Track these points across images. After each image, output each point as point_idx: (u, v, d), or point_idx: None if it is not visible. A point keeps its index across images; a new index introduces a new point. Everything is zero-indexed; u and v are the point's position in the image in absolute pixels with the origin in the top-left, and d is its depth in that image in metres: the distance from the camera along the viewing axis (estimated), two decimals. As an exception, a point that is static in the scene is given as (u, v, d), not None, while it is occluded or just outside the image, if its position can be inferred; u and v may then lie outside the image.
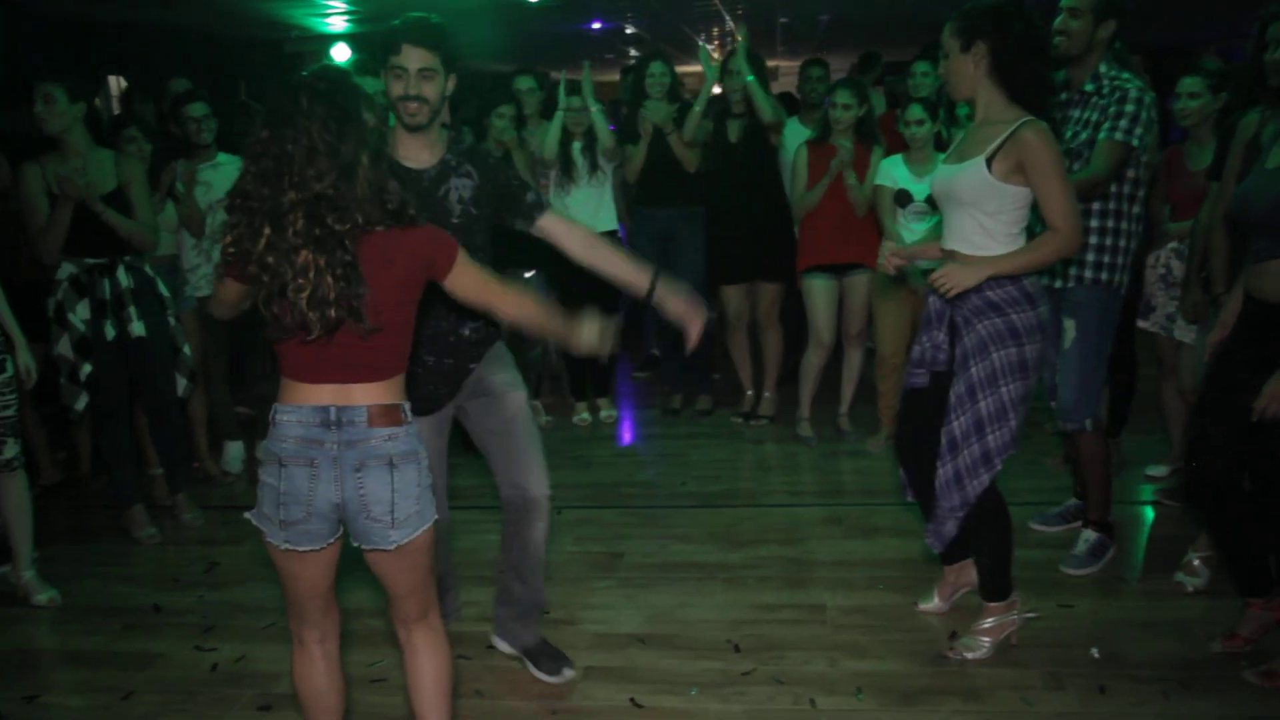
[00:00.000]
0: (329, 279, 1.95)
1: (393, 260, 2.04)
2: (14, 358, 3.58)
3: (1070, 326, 3.46)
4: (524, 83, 5.35)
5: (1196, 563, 3.43)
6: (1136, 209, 3.44)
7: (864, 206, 4.75)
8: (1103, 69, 3.36)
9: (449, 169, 2.72)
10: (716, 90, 5.35)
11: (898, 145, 4.78)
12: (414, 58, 2.57)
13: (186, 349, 4.32)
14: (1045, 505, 4.06)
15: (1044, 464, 4.56)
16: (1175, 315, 4.02)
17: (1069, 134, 3.39)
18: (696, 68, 5.86)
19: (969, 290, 2.81)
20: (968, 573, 3.27)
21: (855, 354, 5.12)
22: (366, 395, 2.08)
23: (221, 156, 4.72)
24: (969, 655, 3.06)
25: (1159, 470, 4.41)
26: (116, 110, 8.65)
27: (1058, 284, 3.48)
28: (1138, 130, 3.25)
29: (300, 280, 1.95)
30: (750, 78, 4.93)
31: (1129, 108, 3.25)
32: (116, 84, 9.44)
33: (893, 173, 4.56)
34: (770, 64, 5.30)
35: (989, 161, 2.77)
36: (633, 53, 14.97)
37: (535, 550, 2.95)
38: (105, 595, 3.81)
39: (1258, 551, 2.96)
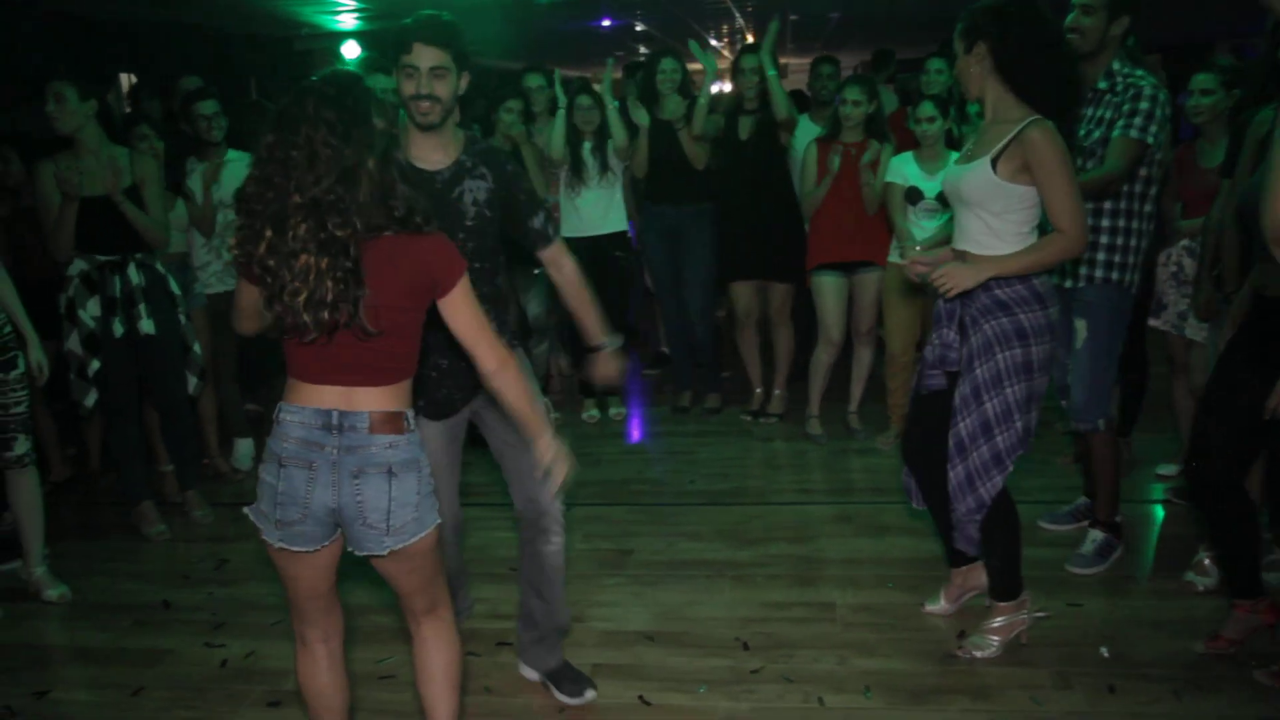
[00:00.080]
0: (328, 282, 1.95)
1: (397, 266, 2.03)
2: (26, 354, 3.60)
3: (1082, 327, 3.45)
4: (534, 80, 5.35)
5: (1207, 562, 3.41)
6: (1149, 207, 3.42)
7: (874, 204, 4.74)
8: (1116, 66, 3.34)
9: (463, 170, 2.68)
10: (727, 87, 5.35)
11: (907, 143, 4.78)
12: (426, 56, 2.54)
13: (197, 347, 4.33)
14: (1055, 504, 4.05)
15: (1054, 463, 4.55)
16: (1187, 313, 4.00)
17: (1082, 132, 3.37)
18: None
19: (978, 289, 2.81)
20: (976, 576, 3.25)
21: (865, 352, 5.11)
22: (370, 400, 2.08)
23: (231, 154, 4.74)
24: (978, 654, 3.05)
25: (1169, 469, 4.39)
26: (127, 108, 8.68)
27: (1068, 283, 3.46)
28: (1152, 128, 3.23)
29: (297, 284, 1.96)
30: (773, 72, 4.93)
31: (1144, 105, 3.23)
32: (127, 82, 9.46)
33: (903, 170, 4.55)
34: (780, 61, 5.27)
35: (994, 161, 2.77)
36: (642, 50, 14.96)
37: (552, 567, 2.91)
38: (115, 592, 3.82)
39: (1254, 552, 2.94)
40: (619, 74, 5.30)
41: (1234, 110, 3.83)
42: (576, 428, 5.42)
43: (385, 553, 2.11)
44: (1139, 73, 3.32)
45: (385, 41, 2.68)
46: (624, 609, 3.50)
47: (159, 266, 4.16)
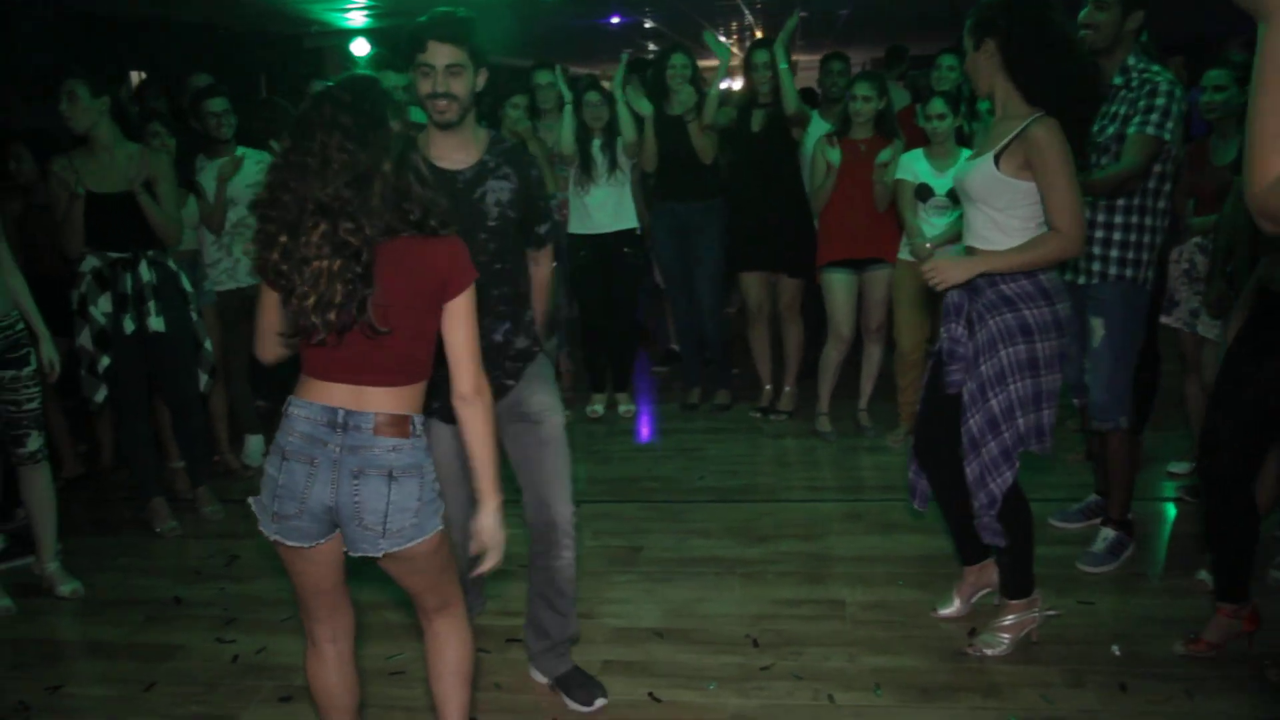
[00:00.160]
0: (338, 285, 1.96)
1: (408, 266, 2.03)
2: (38, 351, 3.62)
3: (1098, 325, 3.43)
4: (543, 77, 5.34)
5: (1219, 560, 3.40)
6: (1162, 204, 3.40)
7: (885, 201, 4.73)
8: (1131, 61, 3.31)
9: (486, 171, 2.65)
10: (737, 84, 5.34)
11: (916, 140, 4.76)
12: (441, 54, 2.51)
13: (208, 344, 4.34)
14: (1066, 502, 4.03)
15: (1064, 460, 4.53)
16: (1199, 310, 3.99)
17: (1096, 128, 3.35)
18: (713, 62, 5.84)
19: (984, 285, 2.81)
20: (988, 574, 3.24)
21: (875, 349, 5.10)
22: (378, 401, 2.08)
23: (240, 151, 4.75)
24: (989, 652, 3.05)
25: (1181, 467, 4.37)
26: (134, 106, 8.70)
27: (1081, 280, 3.45)
28: (1169, 124, 3.21)
29: (306, 288, 1.97)
30: (784, 65, 4.92)
31: (1159, 101, 3.21)
32: (138, 79, 9.50)
33: (914, 167, 4.54)
34: (792, 57, 5.27)
35: (997, 157, 2.77)
36: (651, 47, 14.95)
37: (563, 580, 2.89)
38: (127, 587, 3.84)
39: (1248, 557, 2.92)
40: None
41: (1247, 107, 3.80)
42: (586, 425, 5.43)
43: (380, 554, 2.11)
44: (1155, 68, 3.29)
45: (400, 40, 2.67)
46: (634, 606, 3.50)
47: (171, 264, 4.17)
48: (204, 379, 4.35)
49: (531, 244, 2.84)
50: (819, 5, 11.43)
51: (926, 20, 10.79)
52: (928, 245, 4.31)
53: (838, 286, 4.95)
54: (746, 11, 11.96)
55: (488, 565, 2.19)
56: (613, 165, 5.17)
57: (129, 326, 4.03)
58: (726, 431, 5.31)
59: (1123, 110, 3.29)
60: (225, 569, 3.95)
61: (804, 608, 3.43)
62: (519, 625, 3.22)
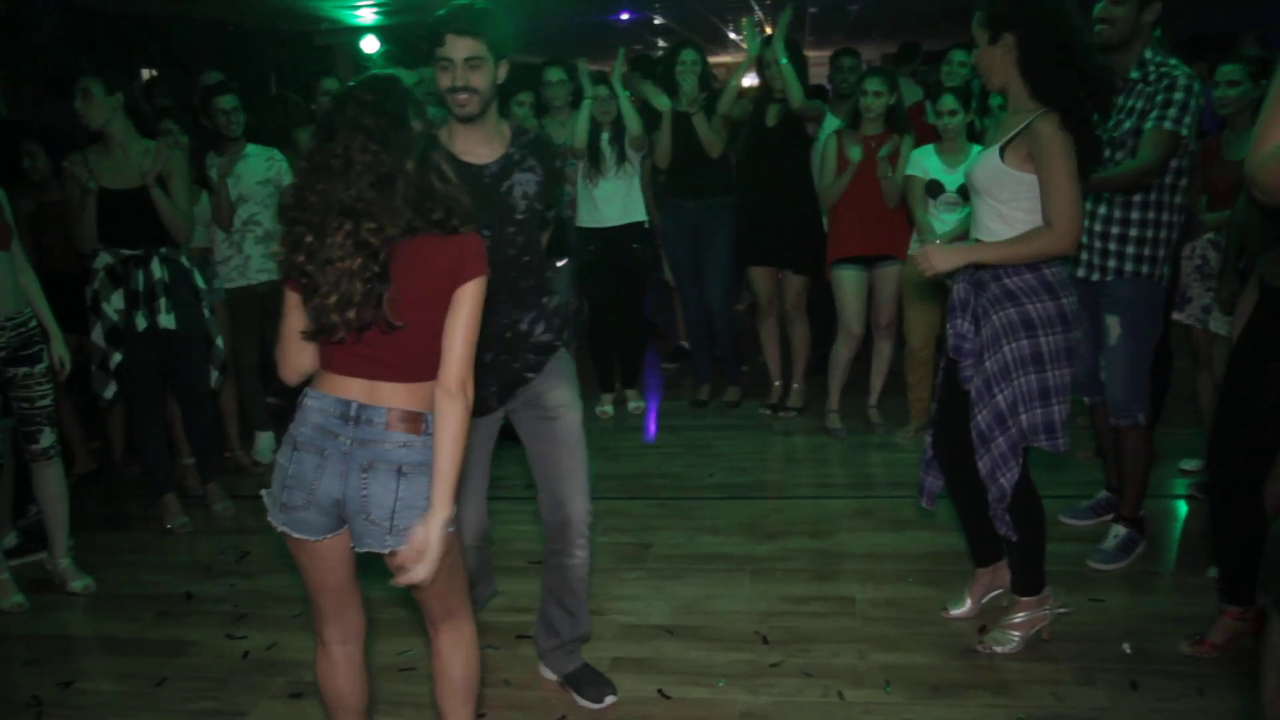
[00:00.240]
0: (357, 284, 1.97)
1: (424, 263, 2.03)
2: (49, 349, 3.63)
3: (1114, 323, 3.41)
4: (553, 74, 5.33)
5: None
6: (1179, 199, 3.36)
7: (895, 197, 4.72)
8: (1148, 55, 3.28)
9: (512, 164, 2.63)
10: (754, 81, 5.33)
11: (925, 137, 4.75)
12: (460, 47, 2.47)
13: (219, 341, 4.36)
14: (1076, 499, 4.02)
15: (1074, 457, 4.52)
16: (1211, 307, 3.97)
17: (1111, 122, 3.32)
18: (724, 58, 5.82)
19: (989, 279, 2.81)
20: (1002, 575, 3.23)
21: (885, 346, 5.09)
22: (391, 396, 2.08)
23: (250, 148, 4.77)
24: (998, 649, 3.04)
25: (1192, 464, 4.35)
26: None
27: (1094, 277, 3.43)
28: (1186, 119, 3.18)
29: (329, 287, 1.98)
30: (784, 60, 4.89)
31: (1178, 95, 3.18)
32: (149, 76, 9.53)
33: (924, 163, 4.52)
34: (803, 53, 5.25)
35: (1003, 149, 2.78)
36: (661, 43, 14.93)
37: (576, 580, 2.88)
38: (138, 583, 3.86)
39: (1254, 560, 2.90)
40: (626, 66, 5.27)
41: (1261, 102, 3.77)
42: (595, 422, 5.42)
43: (387, 551, 2.10)
44: (1172, 61, 3.26)
45: (411, 36, 2.65)
46: (643, 602, 3.50)
47: (184, 260, 4.18)
48: (215, 375, 4.36)
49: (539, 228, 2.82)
50: (829, 0, 11.40)
51: (937, 15, 10.75)
52: (938, 242, 4.29)
53: (848, 283, 4.94)
54: (756, 7, 11.92)
55: (411, 577, 2.04)
56: (621, 158, 5.16)
57: (141, 323, 4.04)
58: (736, 428, 5.31)
59: (1140, 104, 3.26)
60: (236, 565, 3.97)
61: (813, 605, 3.43)
62: (528, 621, 3.23)
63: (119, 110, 3.91)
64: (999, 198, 2.81)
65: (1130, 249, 3.35)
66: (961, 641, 3.13)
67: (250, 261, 4.77)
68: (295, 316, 2.12)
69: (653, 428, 5.44)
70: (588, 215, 5.23)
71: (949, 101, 4.45)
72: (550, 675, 3.04)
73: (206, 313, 4.27)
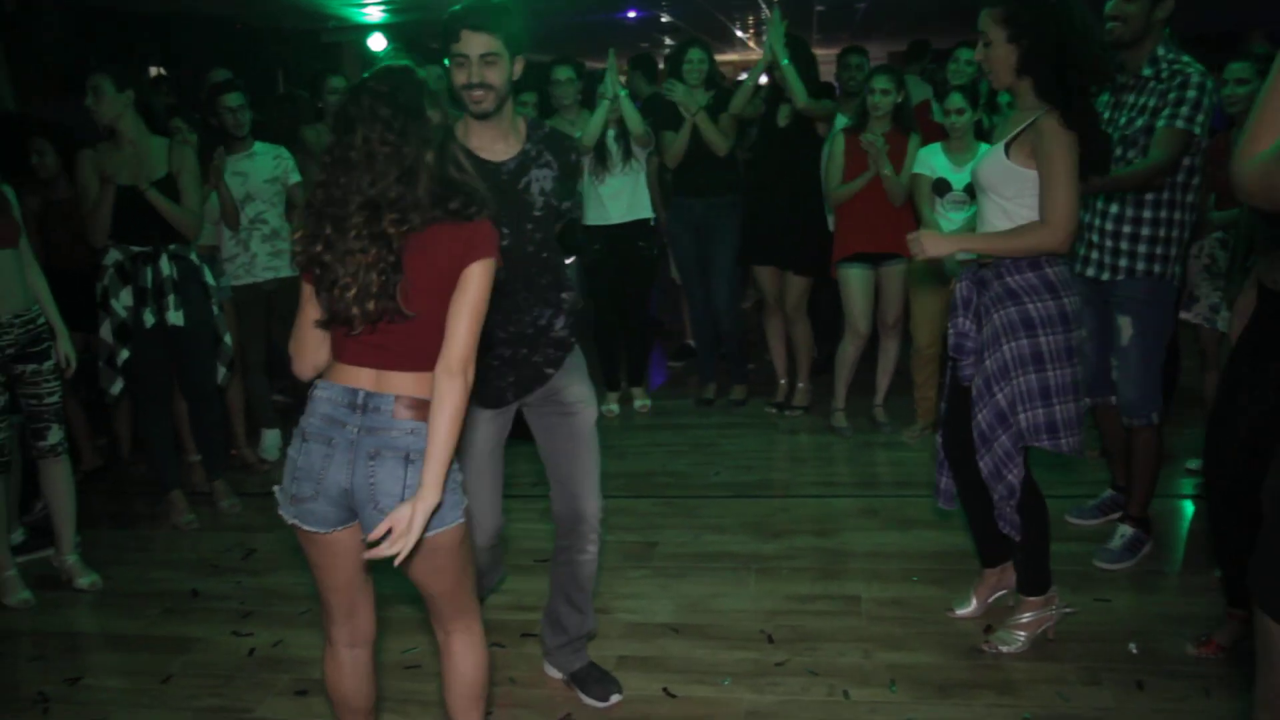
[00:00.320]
0: (373, 275, 1.98)
1: (435, 251, 2.03)
2: (56, 346, 3.64)
3: (1126, 324, 3.39)
4: (562, 73, 5.31)
5: (1238, 558, 3.37)
6: (1191, 197, 3.34)
7: (901, 196, 4.71)
8: (1161, 52, 3.26)
9: (529, 160, 2.61)
10: (764, 79, 5.31)
11: (931, 135, 4.73)
12: (475, 44, 2.45)
13: (228, 338, 4.36)
14: (1081, 498, 4.01)
15: (1080, 457, 4.50)
16: (1219, 306, 3.95)
17: (1123, 120, 3.31)
18: (731, 56, 5.81)
19: (991, 278, 2.82)
20: (1009, 576, 3.22)
21: (891, 344, 5.08)
22: (399, 385, 2.07)
23: (258, 146, 4.77)
24: (1004, 649, 3.03)
25: (1199, 464, 4.33)
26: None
27: (1105, 276, 3.41)
28: (1199, 117, 3.15)
29: (348, 279, 1.98)
30: (785, 61, 4.87)
31: (1190, 94, 3.16)
32: (156, 74, 9.55)
33: (931, 161, 4.51)
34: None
35: (1008, 146, 2.78)
36: (668, 42, 14.93)
37: (585, 576, 2.88)
38: (145, 580, 3.87)
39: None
40: (623, 66, 5.26)
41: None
42: (600, 420, 5.40)
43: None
44: (1185, 58, 3.24)
45: (427, 32, 2.64)
46: (649, 601, 3.50)
47: (194, 257, 4.19)
48: (222, 372, 4.37)
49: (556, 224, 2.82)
50: (836, -1, 11.41)
51: (944, 13, 10.72)
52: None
53: (854, 282, 4.93)
54: (763, 5, 11.90)
55: (384, 550, 1.98)
56: (627, 155, 5.15)
57: (149, 320, 4.05)
58: (742, 427, 5.30)
59: (1152, 102, 3.24)
60: (242, 562, 3.97)
61: (819, 603, 3.42)
62: (534, 620, 3.23)
63: (129, 107, 3.93)
64: (1004, 195, 2.81)
65: (1142, 248, 3.34)
66: (967, 641, 3.13)
67: (256, 259, 4.77)
68: (312, 308, 2.12)
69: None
70: (594, 212, 5.22)
71: (956, 100, 4.44)
72: (555, 674, 3.04)
73: (215, 310, 4.28)
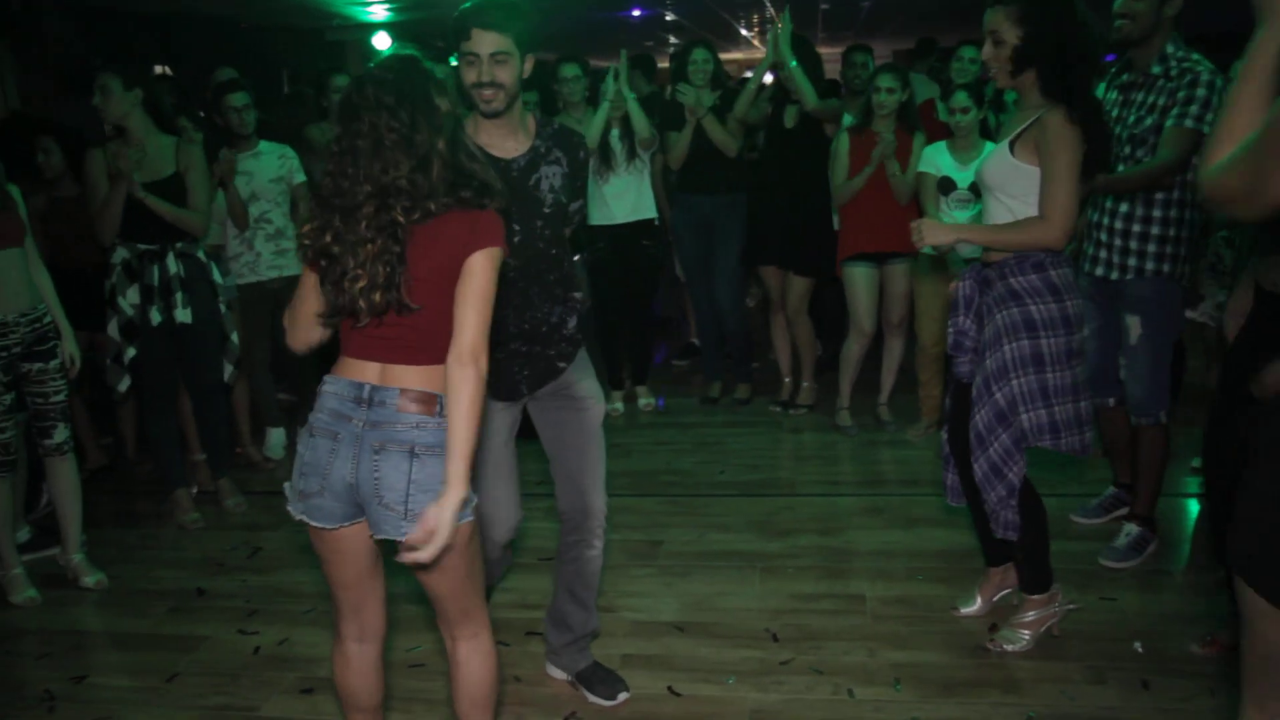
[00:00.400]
0: (380, 266, 1.97)
1: (440, 240, 2.02)
2: (61, 345, 3.65)
3: (1134, 323, 3.39)
4: (569, 70, 5.30)
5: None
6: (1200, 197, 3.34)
7: (906, 195, 4.71)
8: (1169, 49, 3.25)
9: (539, 157, 2.61)
10: (768, 79, 5.31)
11: (935, 134, 4.73)
12: (485, 42, 2.43)
13: (234, 336, 4.37)
14: (1085, 497, 4.01)
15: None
16: (1225, 305, 3.94)
17: (1132, 118, 3.30)
18: (736, 55, 5.81)
19: (995, 278, 2.82)
20: (1014, 574, 3.21)
21: (896, 343, 5.08)
22: (405, 378, 2.06)
23: (263, 145, 4.77)
24: (1009, 648, 3.03)
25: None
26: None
27: (1114, 275, 3.41)
28: (1209, 116, 3.13)
29: (359, 270, 1.98)
30: (794, 63, 4.87)
31: (1200, 92, 3.14)
32: (161, 74, 9.57)
33: (936, 160, 4.51)
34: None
35: (1012, 144, 2.78)
36: (673, 40, 14.92)
37: (590, 573, 2.87)
38: (151, 579, 3.87)
39: None
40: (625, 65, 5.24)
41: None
42: (605, 419, 5.40)
43: (403, 538, 2.04)
44: (1195, 56, 3.22)
45: (432, 31, 2.64)
46: (654, 600, 3.50)
47: (201, 255, 4.20)
48: (229, 370, 4.37)
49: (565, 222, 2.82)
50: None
51: (948, 10, 10.71)
52: None
53: (859, 280, 4.93)
54: (768, 4, 11.90)
55: (416, 557, 1.96)
56: (631, 155, 5.15)
57: (156, 318, 4.06)
58: (746, 425, 5.30)
59: (1161, 100, 3.23)
60: (248, 561, 3.98)
61: (824, 602, 3.42)
62: (538, 618, 3.23)
63: (137, 105, 3.94)
64: (1010, 193, 2.81)
65: (1152, 247, 3.33)
66: (972, 640, 3.13)
67: (261, 258, 4.78)
68: (313, 299, 2.12)
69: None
70: (597, 212, 5.22)
71: (961, 98, 4.43)
72: (559, 674, 3.03)
73: (223, 308, 4.28)
